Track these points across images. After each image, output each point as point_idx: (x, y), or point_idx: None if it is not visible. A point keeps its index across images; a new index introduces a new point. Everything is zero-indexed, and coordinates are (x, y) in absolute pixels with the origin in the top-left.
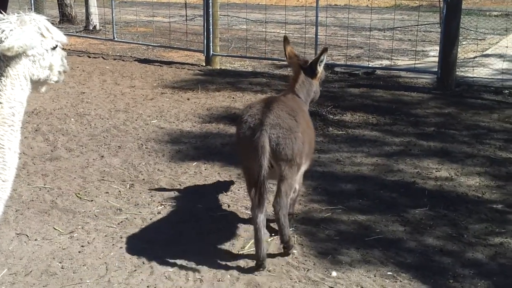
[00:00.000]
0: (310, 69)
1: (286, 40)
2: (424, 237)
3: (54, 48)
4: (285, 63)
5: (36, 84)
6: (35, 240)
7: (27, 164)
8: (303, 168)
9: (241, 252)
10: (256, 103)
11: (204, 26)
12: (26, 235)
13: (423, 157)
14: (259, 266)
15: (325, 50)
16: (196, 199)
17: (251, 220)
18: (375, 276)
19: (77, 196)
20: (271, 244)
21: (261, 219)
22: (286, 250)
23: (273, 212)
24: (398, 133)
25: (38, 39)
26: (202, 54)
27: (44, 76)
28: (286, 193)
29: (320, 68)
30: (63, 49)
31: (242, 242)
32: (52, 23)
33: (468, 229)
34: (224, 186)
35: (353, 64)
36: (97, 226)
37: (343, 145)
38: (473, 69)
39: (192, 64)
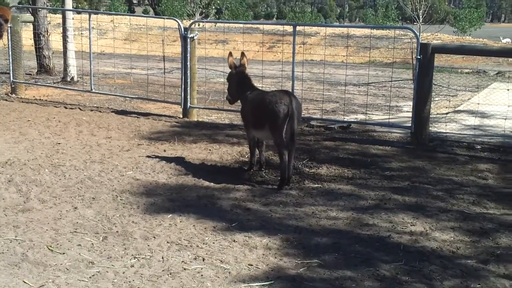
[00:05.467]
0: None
1: (230, 54)
2: None
3: None
4: None
5: None
6: None
7: None
8: None
9: None
10: (278, 93)
11: (182, 79)
12: None
13: (398, 211)
14: (286, 184)
15: (242, 54)
16: (170, 252)
17: (282, 155)
18: None
19: (49, 249)
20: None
21: (287, 154)
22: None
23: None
24: (373, 187)
25: None
26: (180, 106)
27: None
28: (295, 140)
29: None
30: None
31: None
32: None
33: (443, 285)
34: (199, 239)
35: (328, 118)
36: (68, 280)
37: (318, 199)
38: (446, 125)
39: (169, 116)
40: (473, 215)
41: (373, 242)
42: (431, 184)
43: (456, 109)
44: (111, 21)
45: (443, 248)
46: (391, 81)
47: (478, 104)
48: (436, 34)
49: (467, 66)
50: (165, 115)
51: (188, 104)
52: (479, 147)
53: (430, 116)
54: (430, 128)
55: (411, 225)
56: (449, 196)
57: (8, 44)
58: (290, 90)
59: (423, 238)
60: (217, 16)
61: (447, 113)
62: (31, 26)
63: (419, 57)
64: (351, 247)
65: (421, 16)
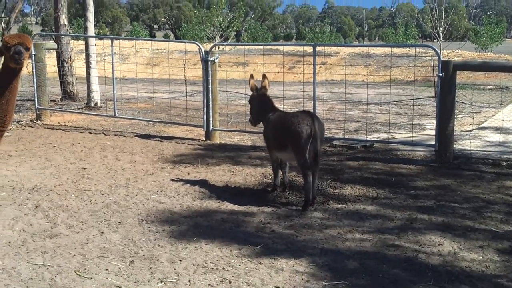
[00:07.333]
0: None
1: (251, 76)
2: None
3: None
4: None
5: None
6: None
7: (26, 241)
8: None
9: None
10: (300, 114)
11: (203, 102)
12: None
13: (425, 231)
14: (310, 205)
15: (263, 76)
16: (196, 275)
17: (306, 176)
18: None
19: (77, 274)
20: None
21: (311, 175)
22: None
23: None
24: (399, 206)
25: None
26: (202, 129)
27: None
28: (318, 160)
29: None
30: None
31: None
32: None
33: None
34: (225, 261)
35: (351, 138)
36: None
37: (343, 219)
38: (470, 142)
39: (192, 139)
40: (502, 233)
41: (400, 262)
42: (457, 202)
43: (480, 126)
44: (133, 46)
45: (473, 268)
46: (413, 99)
47: (503, 120)
48: (457, 51)
49: (490, 82)
50: (188, 138)
51: (211, 127)
52: (505, 164)
53: (454, 133)
54: (454, 146)
55: (438, 245)
56: (476, 215)
57: (33, 71)
58: (312, 110)
59: (452, 257)
60: (234, 39)
61: (471, 130)
62: (54, 53)
63: (440, 74)
64: (378, 268)
65: (441, 34)
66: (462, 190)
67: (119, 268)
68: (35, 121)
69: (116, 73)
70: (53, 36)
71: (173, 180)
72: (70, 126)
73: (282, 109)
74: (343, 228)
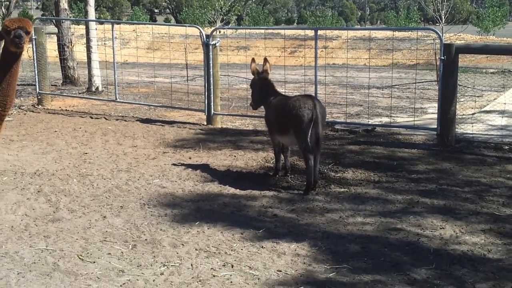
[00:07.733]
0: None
1: (253, 60)
2: None
3: None
4: None
5: None
6: None
7: (29, 225)
8: None
9: None
10: (301, 97)
11: (205, 86)
12: None
13: (427, 214)
14: (312, 189)
15: (264, 59)
16: (199, 259)
17: (308, 160)
18: None
19: (79, 258)
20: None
21: (312, 159)
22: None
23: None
24: (400, 190)
25: None
26: (203, 114)
27: None
28: (320, 144)
29: None
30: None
31: None
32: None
33: None
34: (227, 245)
35: (352, 122)
36: None
37: (345, 203)
38: (472, 126)
39: (193, 123)
40: (504, 216)
41: (402, 246)
42: (459, 186)
43: (482, 109)
44: (134, 30)
45: (474, 251)
46: (415, 83)
47: (505, 104)
48: (459, 34)
49: (492, 66)
50: (189, 123)
51: (212, 111)
52: (507, 147)
53: (456, 117)
54: (456, 129)
55: (440, 228)
56: (478, 198)
57: (33, 56)
58: (313, 94)
59: (453, 241)
60: (235, 23)
61: (473, 114)
62: (55, 38)
63: (443, 58)
64: (380, 251)
65: (443, 17)
66: (463, 173)
67: (122, 252)
68: (36, 106)
69: (117, 58)
70: (54, 21)
71: (174, 164)
72: (72, 110)
73: (283, 93)
74: (345, 212)
